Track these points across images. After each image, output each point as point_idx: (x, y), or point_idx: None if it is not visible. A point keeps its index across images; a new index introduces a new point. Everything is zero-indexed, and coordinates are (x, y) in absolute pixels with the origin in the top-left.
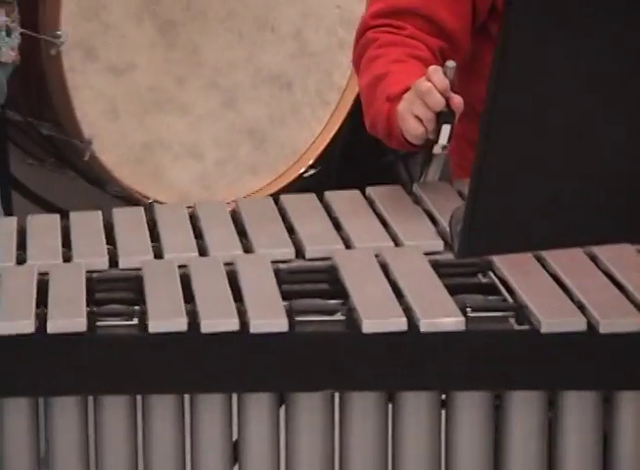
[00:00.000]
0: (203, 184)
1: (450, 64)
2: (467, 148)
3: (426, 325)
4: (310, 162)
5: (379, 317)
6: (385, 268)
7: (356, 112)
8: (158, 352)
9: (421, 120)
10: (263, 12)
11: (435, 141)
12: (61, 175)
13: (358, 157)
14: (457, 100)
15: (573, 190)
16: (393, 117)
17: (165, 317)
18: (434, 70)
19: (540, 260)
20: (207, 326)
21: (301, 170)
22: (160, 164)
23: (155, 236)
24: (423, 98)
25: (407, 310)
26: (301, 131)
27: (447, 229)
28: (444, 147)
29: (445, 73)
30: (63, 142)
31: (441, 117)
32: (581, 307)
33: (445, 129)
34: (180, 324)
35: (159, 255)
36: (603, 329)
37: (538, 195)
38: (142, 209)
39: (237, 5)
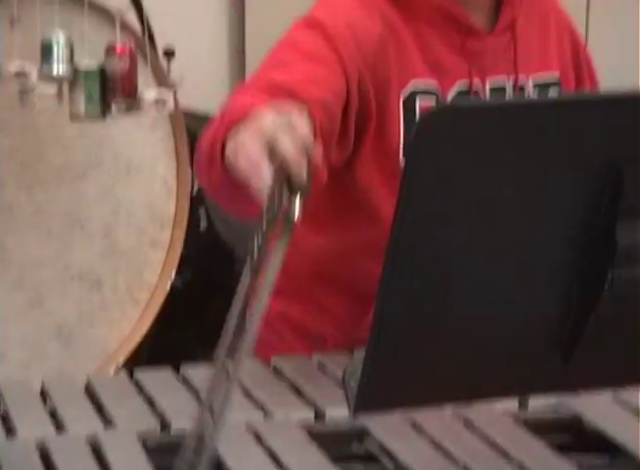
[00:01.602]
0: None
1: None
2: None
3: None
4: (120, 361)
5: None
6: (258, 439)
7: (167, 311)
8: None
9: (255, 160)
10: (73, 209)
11: (279, 201)
12: None
13: (168, 357)
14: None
15: (472, 347)
16: (217, 142)
17: None
18: (299, 115)
19: (415, 426)
20: None
21: (110, 372)
22: None
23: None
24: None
25: None
26: (111, 330)
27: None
28: (295, 214)
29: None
30: None
31: (293, 185)
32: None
33: (296, 201)
34: None
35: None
36: None
37: (437, 351)
38: None
39: (46, 202)
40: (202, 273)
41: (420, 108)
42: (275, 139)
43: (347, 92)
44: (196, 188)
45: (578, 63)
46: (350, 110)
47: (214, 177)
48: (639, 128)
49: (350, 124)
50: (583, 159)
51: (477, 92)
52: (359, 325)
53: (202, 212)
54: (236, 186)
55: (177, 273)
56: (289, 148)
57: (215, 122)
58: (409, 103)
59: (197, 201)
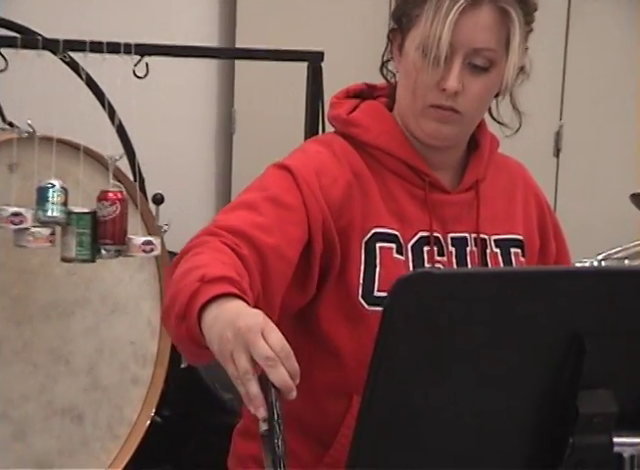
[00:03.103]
0: None
1: None
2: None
3: None
4: None
5: None
6: None
7: (146, 446)
8: None
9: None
10: (59, 345)
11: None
12: None
13: None
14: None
15: None
16: (195, 307)
17: None
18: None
19: None
20: None
21: None
22: None
23: None
24: (259, 360)
25: None
26: (90, 464)
27: None
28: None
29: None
30: None
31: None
32: None
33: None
34: None
35: None
36: None
37: None
38: None
39: (33, 337)
40: (181, 410)
41: (379, 250)
42: (251, 344)
43: (310, 236)
44: None
45: (545, 227)
46: (315, 252)
47: (181, 332)
48: (600, 302)
49: (314, 266)
50: (547, 329)
51: (438, 240)
52: (319, 464)
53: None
54: (199, 348)
55: (157, 410)
56: (264, 355)
57: (193, 267)
58: (370, 245)
59: None
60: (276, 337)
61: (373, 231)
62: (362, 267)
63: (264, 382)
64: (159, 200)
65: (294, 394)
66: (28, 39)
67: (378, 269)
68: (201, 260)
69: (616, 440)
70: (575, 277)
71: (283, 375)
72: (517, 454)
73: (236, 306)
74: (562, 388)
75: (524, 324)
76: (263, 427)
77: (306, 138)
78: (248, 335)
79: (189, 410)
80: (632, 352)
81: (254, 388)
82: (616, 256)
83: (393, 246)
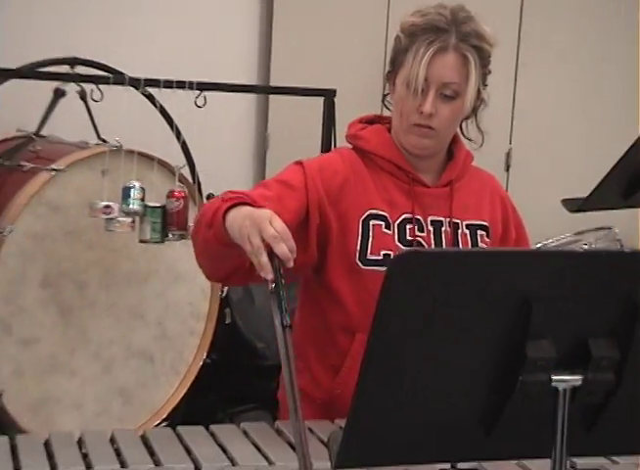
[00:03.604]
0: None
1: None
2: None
3: None
4: (164, 416)
5: None
6: None
7: (199, 381)
8: None
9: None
10: (136, 304)
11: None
12: None
13: (201, 412)
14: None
15: (423, 424)
16: (220, 212)
17: None
18: (280, 225)
19: None
20: None
21: (156, 423)
22: (51, 413)
23: None
24: (267, 239)
25: None
26: (159, 394)
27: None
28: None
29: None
30: None
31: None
32: None
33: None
34: None
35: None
36: None
37: (397, 425)
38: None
39: (118, 297)
40: (225, 355)
41: (372, 226)
42: (262, 229)
43: (308, 210)
44: (224, 293)
45: (507, 220)
46: (311, 223)
47: (209, 236)
48: (544, 275)
49: (312, 233)
50: (504, 295)
51: (419, 220)
52: (332, 383)
53: (227, 311)
54: (221, 246)
55: (207, 354)
56: (270, 235)
57: (217, 200)
58: (365, 223)
59: (224, 303)
60: (279, 223)
61: (368, 212)
62: (359, 238)
63: (271, 255)
64: (211, 198)
65: (291, 263)
66: (117, 78)
67: (370, 240)
68: (218, 198)
69: (553, 377)
70: (527, 256)
71: (284, 248)
72: (479, 389)
73: (249, 208)
74: (514, 339)
75: (486, 291)
76: (271, 286)
77: (322, 153)
78: (259, 221)
79: (230, 355)
80: (567, 313)
81: (264, 258)
82: (551, 244)
83: (383, 223)
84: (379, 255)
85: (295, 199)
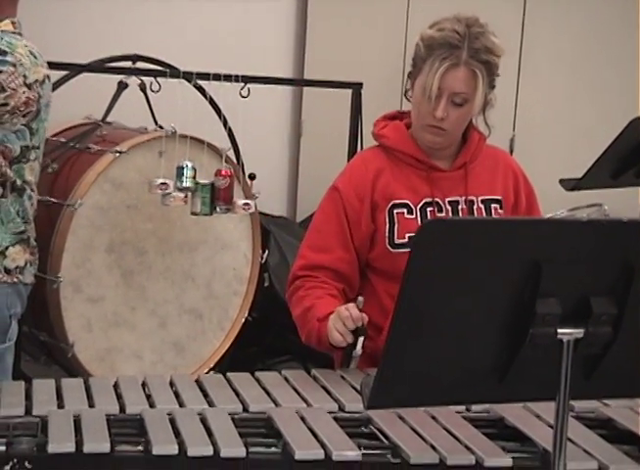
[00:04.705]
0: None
1: (360, 298)
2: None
3: (337, 455)
4: (211, 365)
5: (304, 449)
6: (303, 420)
7: (242, 336)
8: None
9: (342, 334)
10: (187, 268)
11: (354, 347)
12: (49, 369)
13: (243, 362)
14: (365, 319)
15: (447, 369)
16: (323, 331)
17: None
18: (352, 306)
19: (400, 418)
20: (192, 451)
21: (205, 371)
22: (115, 362)
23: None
24: (343, 321)
25: (323, 445)
26: (207, 346)
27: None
28: (359, 351)
29: (357, 306)
30: (53, 345)
31: (357, 332)
32: (433, 447)
33: (360, 340)
34: (173, 449)
35: (152, 405)
36: (450, 462)
37: (422, 371)
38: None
39: (172, 263)
40: (264, 313)
41: (396, 214)
42: (344, 319)
43: (356, 223)
44: (264, 259)
45: (517, 189)
46: (367, 229)
47: (321, 347)
48: (553, 240)
49: (367, 239)
50: (517, 258)
51: (438, 203)
52: (378, 336)
53: (266, 276)
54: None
55: (249, 312)
56: (350, 321)
57: (306, 319)
58: (390, 212)
59: (264, 268)
60: (350, 308)
61: (392, 202)
62: (387, 227)
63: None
64: (252, 177)
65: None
66: (172, 72)
67: (396, 226)
68: (308, 302)
69: (559, 331)
70: (537, 224)
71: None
72: (494, 341)
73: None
74: (525, 297)
75: (501, 255)
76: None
77: (349, 139)
78: (339, 313)
79: (269, 313)
80: (572, 274)
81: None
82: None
83: (405, 210)
84: (404, 238)
85: (343, 246)
